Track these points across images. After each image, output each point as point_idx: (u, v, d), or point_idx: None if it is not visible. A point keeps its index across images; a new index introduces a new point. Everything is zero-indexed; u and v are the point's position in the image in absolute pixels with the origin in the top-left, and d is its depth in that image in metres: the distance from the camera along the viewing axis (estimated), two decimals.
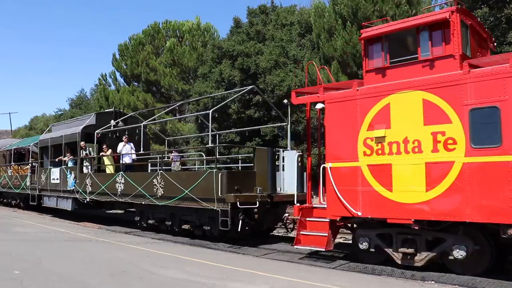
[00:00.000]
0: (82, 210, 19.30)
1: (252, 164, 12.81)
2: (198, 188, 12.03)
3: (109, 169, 17.12)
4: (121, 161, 16.39)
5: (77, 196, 17.36)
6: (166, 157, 17.90)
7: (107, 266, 9.00)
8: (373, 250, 9.15)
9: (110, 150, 17.16)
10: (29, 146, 24.86)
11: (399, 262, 8.70)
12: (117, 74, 40.86)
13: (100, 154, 17.36)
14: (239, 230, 11.28)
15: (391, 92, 8.71)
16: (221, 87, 26.66)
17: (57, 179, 19.04)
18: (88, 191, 16.67)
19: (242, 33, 28.54)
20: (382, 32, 9.11)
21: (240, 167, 17.27)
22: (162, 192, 13.20)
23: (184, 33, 36.73)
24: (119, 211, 22.07)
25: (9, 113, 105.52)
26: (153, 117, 22.56)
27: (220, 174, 11.48)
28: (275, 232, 14.24)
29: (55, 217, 20.26)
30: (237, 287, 7.38)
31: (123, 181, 14.88)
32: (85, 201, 17.05)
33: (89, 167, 17.51)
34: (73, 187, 17.63)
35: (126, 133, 17.14)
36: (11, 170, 26.41)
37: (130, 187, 14.54)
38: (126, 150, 16.63)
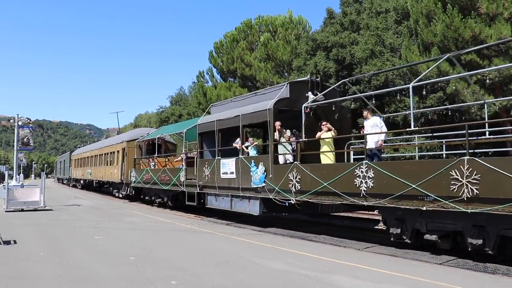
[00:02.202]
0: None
1: None
2: None
3: (328, 158, 12.85)
4: (367, 145, 11.32)
5: (271, 196, 13.11)
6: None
7: (212, 256, 9.35)
8: None
9: (332, 131, 12.90)
10: (174, 133, 22.83)
11: None
12: (214, 70, 42.39)
13: (318, 136, 12.95)
14: None
15: None
16: None
17: (232, 173, 15.06)
18: (293, 190, 12.19)
19: (335, 23, 28.12)
20: None
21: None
22: (475, 191, 7.99)
23: (277, 27, 36.94)
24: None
25: (117, 112, 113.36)
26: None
27: None
28: None
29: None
30: (340, 280, 7.33)
31: (371, 174, 10.01)
32: (286, 204, 12.84)
33: (289, 155, 13.40)
34: (263, 184, 13.52)
35: (374, 102, 13.19)
36: (154, 163, 22.83)
37: (387, 184, 9.67)
38: (372, 128, 11.86)
